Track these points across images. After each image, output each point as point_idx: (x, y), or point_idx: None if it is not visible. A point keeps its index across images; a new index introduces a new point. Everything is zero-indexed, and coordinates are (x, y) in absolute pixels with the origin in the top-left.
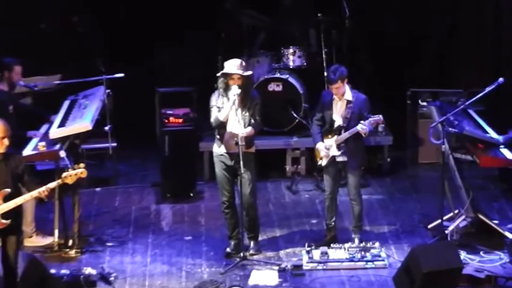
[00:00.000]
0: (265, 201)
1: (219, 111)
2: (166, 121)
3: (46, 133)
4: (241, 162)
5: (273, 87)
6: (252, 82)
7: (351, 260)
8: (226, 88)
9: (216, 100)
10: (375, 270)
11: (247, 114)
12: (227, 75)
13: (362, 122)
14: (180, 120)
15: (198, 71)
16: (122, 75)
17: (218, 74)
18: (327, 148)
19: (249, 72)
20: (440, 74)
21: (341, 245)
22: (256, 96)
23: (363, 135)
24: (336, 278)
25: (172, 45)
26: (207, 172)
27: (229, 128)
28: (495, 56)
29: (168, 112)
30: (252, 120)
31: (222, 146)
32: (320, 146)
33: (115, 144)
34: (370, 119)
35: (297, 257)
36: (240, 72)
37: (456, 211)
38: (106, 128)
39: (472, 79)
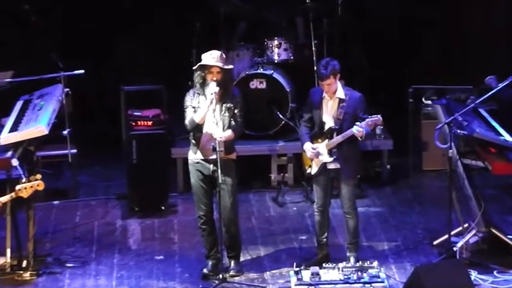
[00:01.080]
0: (248, 215)
1: (195, 111)
2: (133, 124)
3: None
4: (220, 171)
5: (255, 84)
6: (232, 78)
7: (346, 281)
8: (203, 84)
9: (191, 99)
10: None
11: (226, 115)
12: (204, 68)
13: (357, 123)
14: (149, 123)
15: (169, 66)
16: (82, 71)
17: (194, 67)
18: (314, 149)
19: (230, 66)
20: (447, 68)
21: (334, 264)
22: (237, 95)
23: (359, 138)
24: None
25: (139, 36)
26: (181, 182)
27: (206, 131)
28: (510, 46)
29: (135, 113)
30: (233, 122)
31: (198, 152)
32: (307, 146)
33: (74, 150)
34: (367, 119)
35: (284, 279)
36: (220, 64)
37: (466, 225)
38: (65, 132)
39: (483, 73)
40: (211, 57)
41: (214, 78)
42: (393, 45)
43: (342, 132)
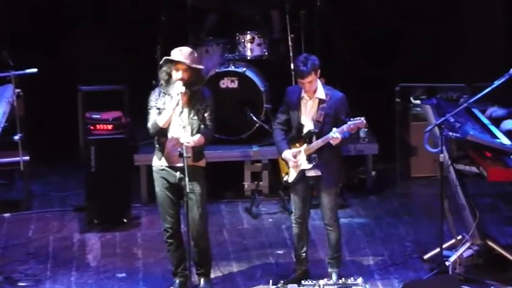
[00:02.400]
0: (219, 228)
1: (159, 113)
2: (92, 128)
3: None
4: (187, 179)
5: (226, 83)
6: (202, 78)
7: None
8: (169, 81)
9: (155, 99)
10: None
11: (195, 118)
12: (171, 64)
13: (335, 128)
14: (109, 127)
15: (132, 64)
16: (35, 70)
17: (160, 62)
18: (295, 155)
19: (200, 66)
20: (438, 65)
21: (314, 281)
22: (207, 96)
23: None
24: None
25: (98, 31)
26: (145, 192)
27: (172, 136)
28: (506, 40)
29: (94, 116)
30: (202, 126)
31: (163, 159)
32: (287, 154)
33: (27, 157)
34: (349, 122)
35: None
36: (186, 61)
37: (459, 237)
38: (16, 137)
39: (477, 70)
40: (180, 53)
41: (180, 77)
42: (379, 40)
43: (323, 136)
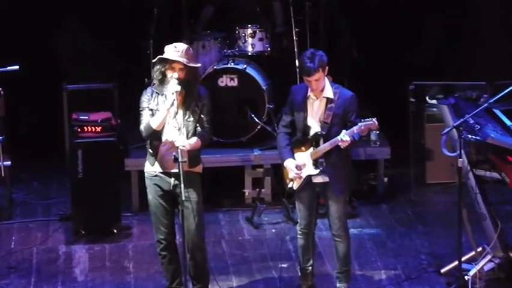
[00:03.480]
0: (217, 239)
1: (152, 115)
2: (79, 130)
3: None
4: (183, 186)
5: (225, 81)
6: (198, 77)
7: None
8: (163, 81)
9: (148, 99)
10: None
11: (191, 119)
12: (165, 63)
13: (345, 130)
14: (98, 129)
15: (122, 60)
16: (16, 67)
17: (153, 60)
18: (300, 168)
19: (197, 65)
20: (455, 61)
21: None
22: (203, 95)
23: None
24: None
25: (86, 25)
26: (136, 200)
27: (166, 139)
28: None
29: (81, 117)
30: (198, 128)
31: (157, 164)
32: (289, 164)
33: (8, 162)
34: (360, 124)
35: None
36: (183, 60)
37: (479, 249)
38: None
39: (498, 67)
40: (175, 51)
41: (175, 76)
42: (391, 33)
43: (330, 139)
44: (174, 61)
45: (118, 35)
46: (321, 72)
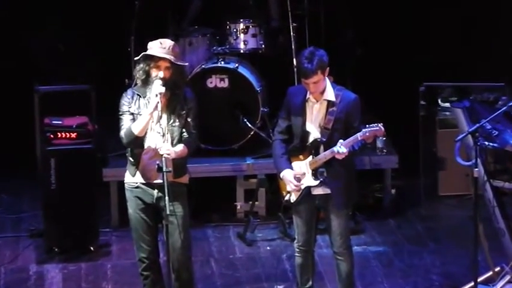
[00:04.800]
0: (206, 257)
1: (133, 119)
2: (52, 136)
3: None
4: (167, 198)
5: (214, 82)
6: (185, 77)
7: None
8: (146, 81)
9: (128, 102)
10: None
11: (176, 124)
12: (150, 61)
13: (342, 140)
14: (73, 135)
15: (100, 59)
16: None
17: (136, 58)
18: (299, 179)
19: (184, 63)
20: (470, 60)
21: None
22: (190, 98)
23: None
24: None
25: (59, 20)
26: (116, 214)
27: (149, 146)
28: None
29: (54, 122)
30: (185, 134)
31: (138, 174)
32: (287, 175)
33: None
34: (364, 130)
35: None
36: (170, 57)
37: (497, 269)
38: None
39: None
40: (160, 47)
41: (161, 76)
42: (399, 29)
43: (332, 146)
44: (160, 59)
45: (96, 31)
46: (320, 75)
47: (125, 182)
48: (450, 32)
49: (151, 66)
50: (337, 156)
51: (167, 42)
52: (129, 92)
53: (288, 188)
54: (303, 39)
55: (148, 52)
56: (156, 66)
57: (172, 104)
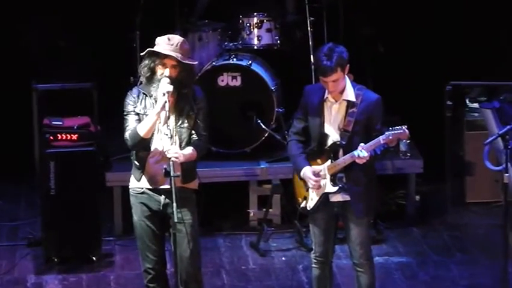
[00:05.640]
0: (216, 269)
1: (139, 120)
2: (51, 138)
3: None
4: (175, 205)
5: (226, 80)
6: (194, 75)
7: None
8: (152, 79)
9: (134, 102)
10: None
11: (185, 126)
12: (156, 58)
13: (363, 144)
14: (74, 137)
15: (102, 55)
16: None
17: (142, 54)
18: (318, 174)
19: (194, 62)
20: (499, 57)
21: None
22: (200, 97)
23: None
24: None
25: (58, 14)
26: (119, 221)
27: (156, 149)
28: None
29: (54, 123)
30: (194, 136)
31: (144, 179)
32: (307, 172)
33: None
34: (388, 133)
35: None
36: (177, 56)
37: None
38: None
39: None
40: (167, 43)
41: (166, 74)
42: (423, 24)
43: (353, 150)
44: (166, 56)
45: (99, 26)
46: (339, 72)
47: (129, 187)
48: (480, 26)
49: (156, 64)
50: (357, 161)
51: (176, 39)
52: (134, 90)
53: (309, 185)
54: (321, 35)
55: (154, 48)
56: (162, 63)
57: (180, 104)
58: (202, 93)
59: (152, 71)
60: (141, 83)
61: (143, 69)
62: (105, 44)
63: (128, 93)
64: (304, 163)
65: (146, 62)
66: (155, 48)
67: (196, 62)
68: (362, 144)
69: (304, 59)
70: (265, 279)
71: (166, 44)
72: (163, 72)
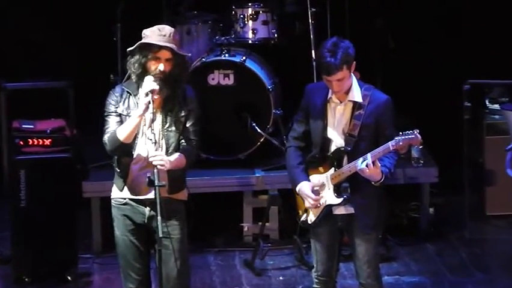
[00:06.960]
0: None
1: (121, 122)
2: (21, 143)
3: None
4: (160, 218)
5: (217, 78)
6: (187, 70)
7: None
8: (143, 76)
9: (116, 101)
10: None
11: (173, 129)
12: (148, 51)
13: (370, 153)
14: (47, 142)
15: (79, 51)
16: None
17: (130, 48)
18: (318, 192)
19: (188, 54)
20: None
21: None
22: (190, 97)
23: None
24: None
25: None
26: (98, 237)
27: (139, 154)
28: None
29: (25, 126)
30: (182, 141)
31: (126, 189)
32: (304, 188)
33: None
34: (397, 138)
35: None
36: (172, 46)
37: None
38: None
39: None
40: (160, 35)
41: (161, 69)
42: (437, 18)
43: (359, 156)
44: (161, 48)
45: (74, 18)
46: (345, 70)
47: (111, 197)
48: (502, 18)
49: (148, 58)
50: (363, 173)
51: (167, 29)
52: (117, 89)
53: (306, 204)
54: (324, 28)
55: (145, 40)
56: (155, 57)
57: (168, 105)
58: (193, 93)
59: (144, 67)
60: (127, 79)
61: (133, 66)
62: (82, 38)
63: (111, 91)
64: (301, 177)
65: (137, 57)
66: (147, 40)
67: (190, 55)
68: (368, 154)
69: (304, 54)
70: None
71: (158, 35)
72: (157, 67)
